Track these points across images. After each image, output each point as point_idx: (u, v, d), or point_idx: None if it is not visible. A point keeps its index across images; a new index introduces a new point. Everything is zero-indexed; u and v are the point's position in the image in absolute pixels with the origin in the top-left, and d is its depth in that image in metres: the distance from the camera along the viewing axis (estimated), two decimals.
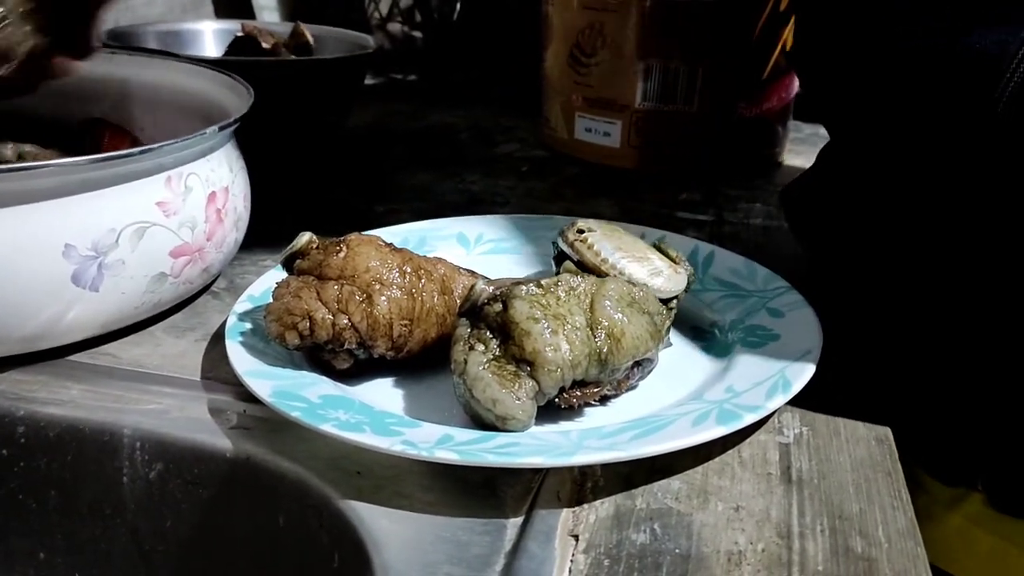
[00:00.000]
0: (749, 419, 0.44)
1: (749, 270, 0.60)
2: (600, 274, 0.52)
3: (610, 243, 0.55)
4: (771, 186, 0.88)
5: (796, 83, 0.92)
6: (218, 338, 0.57)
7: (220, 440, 0.48)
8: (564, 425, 0.46)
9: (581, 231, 0.56)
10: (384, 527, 0.41)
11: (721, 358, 0.53)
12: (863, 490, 0.43)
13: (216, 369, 0.53)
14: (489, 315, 0.46)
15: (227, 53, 0.92)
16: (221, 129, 0.56)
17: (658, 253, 0.56)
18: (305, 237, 0.53)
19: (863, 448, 0.46)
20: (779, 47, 0.87)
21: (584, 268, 0.53)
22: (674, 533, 0.40)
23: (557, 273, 0.56)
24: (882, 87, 0.49)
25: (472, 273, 0.56)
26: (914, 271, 0.53)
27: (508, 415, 0.44)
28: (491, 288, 0.47)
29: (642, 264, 0.54)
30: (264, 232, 0.66)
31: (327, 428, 0.43)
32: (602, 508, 0.42)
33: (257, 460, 0.47)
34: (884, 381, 0.52)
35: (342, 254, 0.51)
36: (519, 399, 0.44)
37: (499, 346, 0.45)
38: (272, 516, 0.46)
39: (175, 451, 0.48)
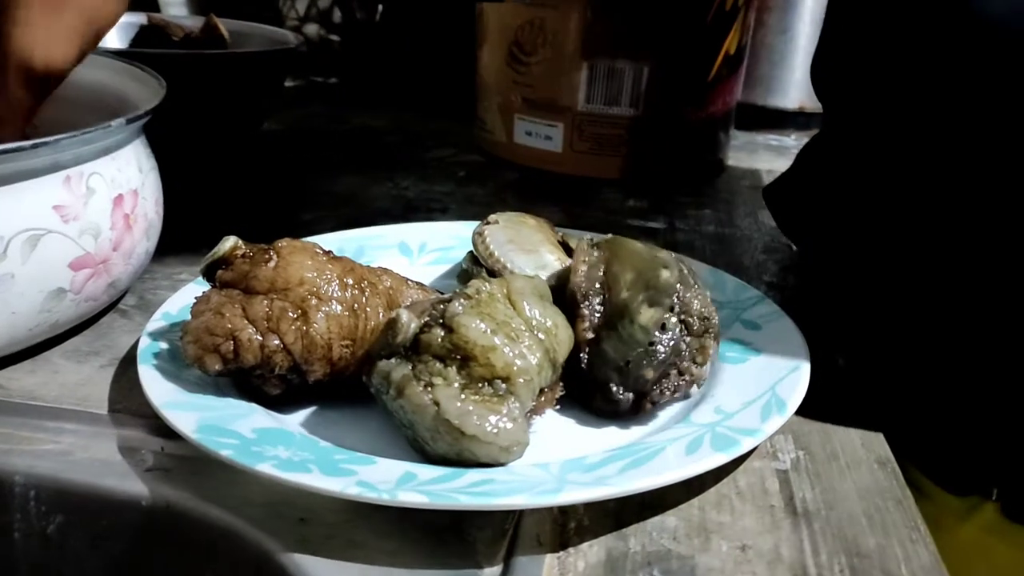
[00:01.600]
0: (748, 444, 0.39)
1: (717, 279, 0.56)
2: (489, 268, 0.52)
3: (504, 235, 0.54)
4: (718, 193, 0.84)
5: (740, 88, 0.89)
6: (128, 363, 0.49)
7: (133, 485, 0.40)
8: (537, 455, 0.41)
9: (487, 223, 0.55)
10: None
11: None
12: (876, 522, 0.38)
13: (126, 400, 0.46)
14: (432, 344, 0.40)
15: (133, 45, 0.84)
16: (129, 123, 0.49)
17: (553, 246, 0.54)
18: (229, 242, 0.46)
19: (866, 472, 0.42)
20: (723, 50, 0.83)
21: (477, 262, 0.54)
22: None
23: (464, 269, 0.55)
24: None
25: (421, 286, 0.50)
26: (906, 264, 0.50)
27: (514, 442, 0.38)
28: (415, 316, 0.41)
29: (529, 256, 0.53)
30: (178, 241, 0.58)
31: (265, 469, 0.37)
32: (591, 552, 0.36)
33: (179, 508, 0.40)
34: (884, 385, 0.48)
35: (272, 263, 0.44)
36: (516, 420, 0.39)
37: (458, 372, 0.39)
38: (198, 575, 0.39)
39: (78, 500, 0.41)
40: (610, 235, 0.51)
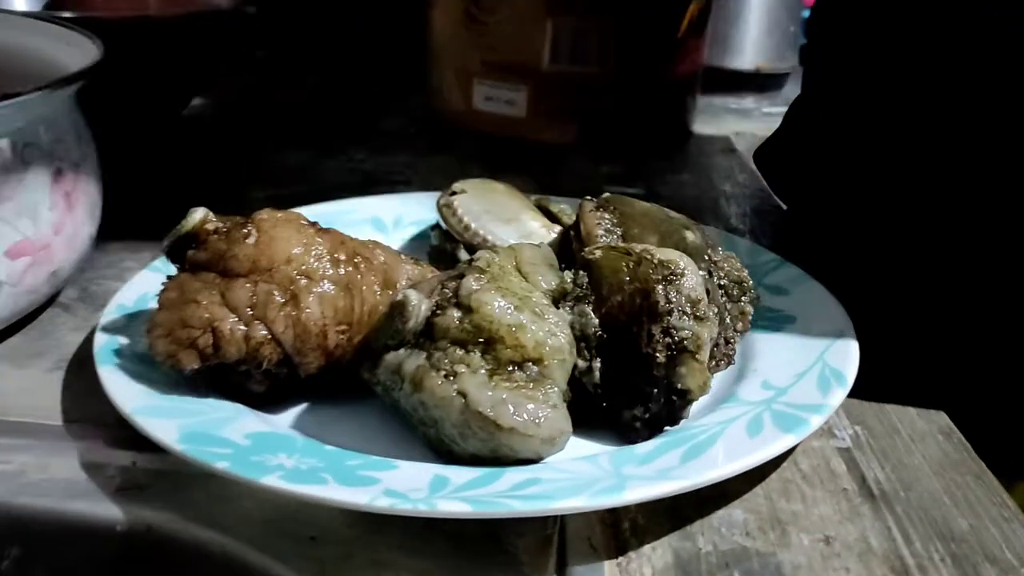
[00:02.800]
0: (816, 422, 0.35)
1: (728, 243, 0.52)
2: (466, 243, 0.48)
3: (478, 205, 0.50)
4: (691, 157, 0.80)
5: (705, 48, 0.85)
6: (79, 365, 0.43)
7: (104, 508, 0.34)
8: (577, 447, 0.36)
9: (454, 193, 0.51)
10: None
11: None
12: (960, 500, 0.35)
13: (83, 408, 0.40)
14: (448, 328, 0.35)
15: (48, 8, 0.75)
16: (68, 83, 0.42)
17: (534, 213, 0.50)
18: (197, 215, 0.40)
19: (932, 445, 0.38)
20: (690, 6, 0.79)
21: (450, 237, 0.49)
22: None
23: (435, 247, 0.51)
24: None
25: (416, 261, 0.44)
26: (900, 224, 0.48)
27: (558, 432, 0.33)
28: (425, 297, 0.36)
29: (510, 226, 0.49)
30: (119, 226, 0.51)
31: (272, 482, 0.31)
32: (656, 556, 0.32)
33: (163, 532, 0.34)
34: (919, 359, 0.45)
35: (252, 239, 0.39)
36: (556, 407, 0.34)
37: (483, 358, 0.34)
38: None
39: (37, 528, 0.35)
40: (608, 194, 0.47)
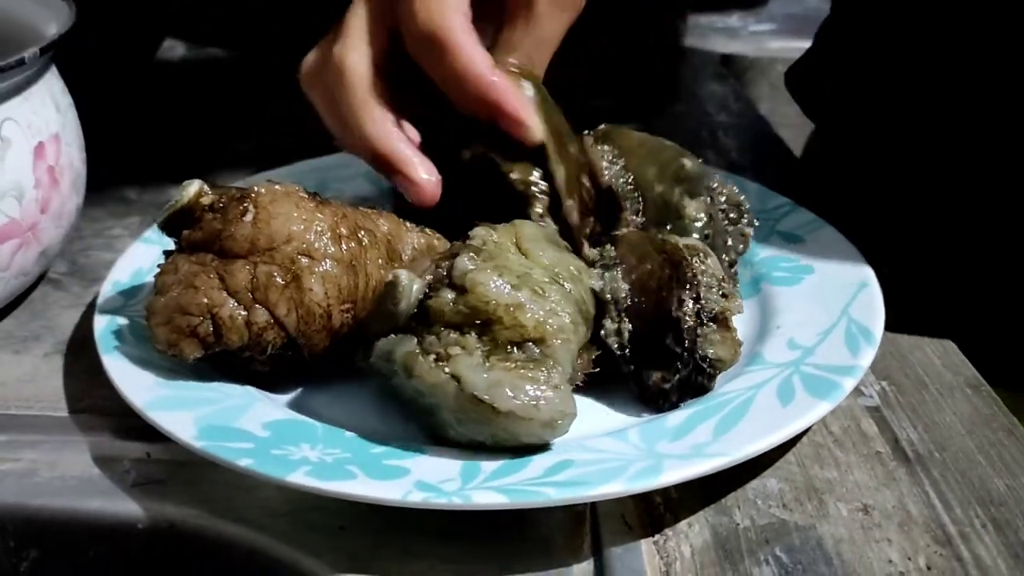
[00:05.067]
0: (849, 385, 0.34)
1: (737, 186, 0.50)
2: None
3: None
4: (685, 84, 0.78)
5: None
6: (78, 347, 0.41)
7: (122, 504, 0.33)
8: (592, 422, 0.35)
9: None
10: None
11: (745, 300, 0.42)
12: (995, 459, 0.34)
13: (88, 396, 0.38)
14: (442, 310, 0.33)
15: None
16: (43, 52, 0.39)
17: None
18: (192, 188, 0.37)
19: (962, 400, 0.38)
20: None
21: None
22: (806, 559, 0.30)
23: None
24: None
25: (421, 229, 0.42)
26: (934, 146, 0.47)
27: (558, 414, 0.31)
28: (417, 277, 0.34)
29: None
30: (102, 190, 0.49)
31: (300, 479, 0.30)
32: (693, 533, 0.31)
33: (185, 528, 0.33)
34: (940, 291, 0.44)
35: (250, 217, 0.37)
36: (559, 388, 0.32)
37: (479, 340, 0.33)
38: None
39: (55, 529, 0.34)
40: (603, 126, 0.46)
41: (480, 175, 0.40)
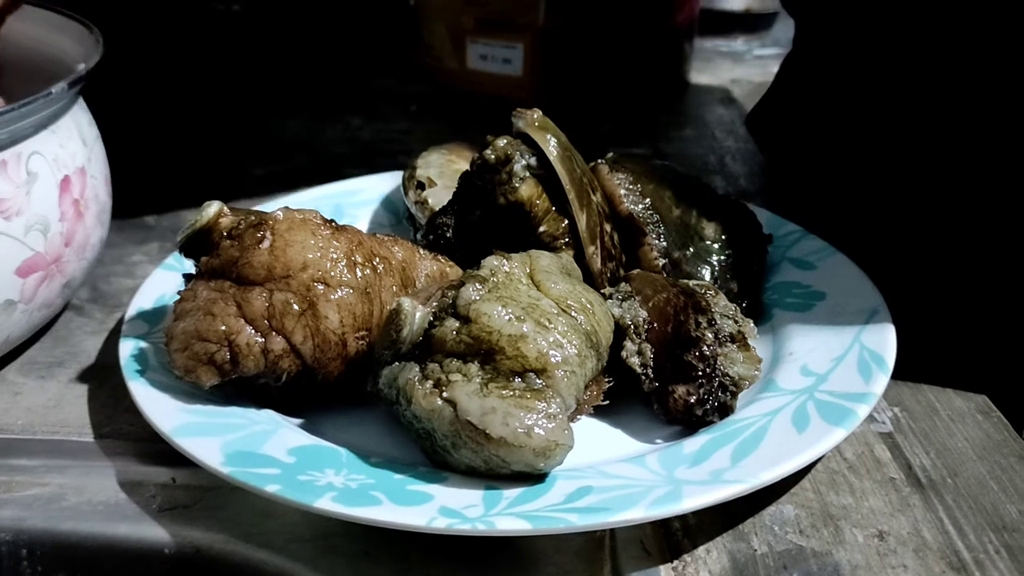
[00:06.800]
0: (863, 412, 0.35)
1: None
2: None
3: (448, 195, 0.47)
4: (691, 110, 0.79)
5: None
6: (102, 373, 0.42)
7: (148, 529, 0.34)
8: (609, 448, 0.36)
9: (421, 186, 0.49)
10: None
11: (756, 325, 0.43)
12: (1007, 484, 0.35)
13: (112, 421, 0.39)
14: (446, 340, 0.34)
15: None
16: (71, 87, 0.40)
17: None
18: (211, 209, 0.38)
19: (973, 426, 0.38)
20: None
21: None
22: None
23: (416, 231, 0.49)
24: None
25: (435, 256, 0.43)
26: (892, 185, 0.49)
27: (551, 443, 0.32)
28: (421, 304, 0.35)
29: None
30: (121, 216, 0.50)
31: (326, 505, 0.31)
32: (711, 559, 0.32)
33: (212, 553, 0.34)
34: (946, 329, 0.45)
35: (266, 244, 0.37)
36: (556, 418, 0.32)
37: (481, 369, 0.33)
38: None
39: (84, 554, 0.34)
40: (612, 154, 0.47)
41: (510, 222, 0.41)
